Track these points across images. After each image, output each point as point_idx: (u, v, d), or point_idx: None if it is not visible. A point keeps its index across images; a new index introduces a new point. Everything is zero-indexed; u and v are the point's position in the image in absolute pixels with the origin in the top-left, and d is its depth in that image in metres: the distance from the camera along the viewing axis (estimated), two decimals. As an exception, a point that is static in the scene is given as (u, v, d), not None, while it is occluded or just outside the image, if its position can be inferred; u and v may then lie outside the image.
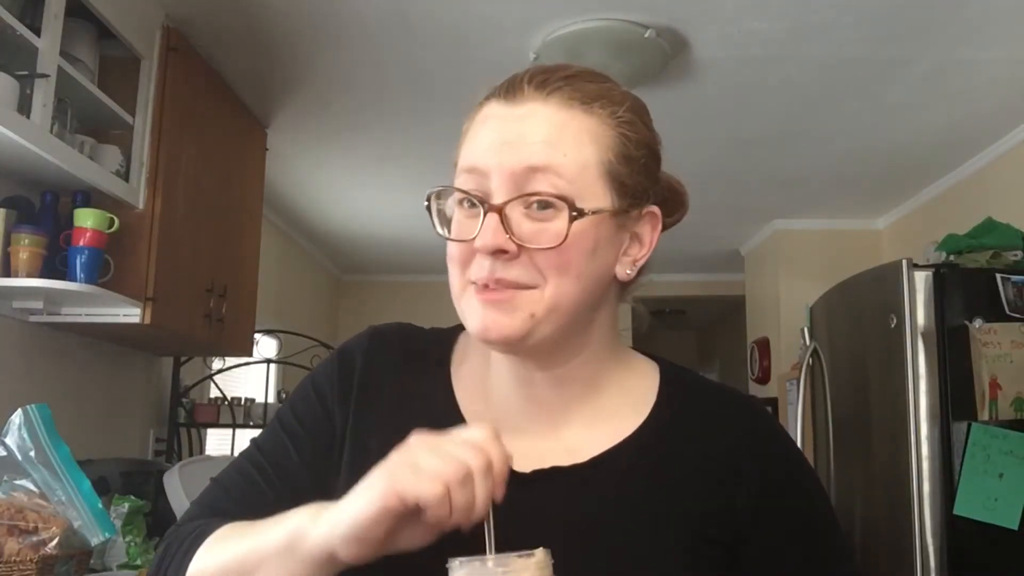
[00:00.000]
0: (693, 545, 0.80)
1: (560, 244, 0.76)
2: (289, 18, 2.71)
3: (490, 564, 0.67)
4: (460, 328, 0.93)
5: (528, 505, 0.70)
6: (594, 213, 0.78)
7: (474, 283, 0.79)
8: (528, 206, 0.77)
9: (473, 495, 0.66)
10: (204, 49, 2.82)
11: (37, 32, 2.00)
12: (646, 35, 2.71)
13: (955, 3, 2.56)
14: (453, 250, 0.81)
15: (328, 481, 0.83)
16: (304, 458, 0.86)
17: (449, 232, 0.82)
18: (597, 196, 0.78)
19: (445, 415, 0.84)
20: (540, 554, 0.67)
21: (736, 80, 3.11)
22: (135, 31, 2.43)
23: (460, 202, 0.81)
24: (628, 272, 0.83)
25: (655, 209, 0.84)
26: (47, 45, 2.01)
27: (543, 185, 0.76)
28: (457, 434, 0.69)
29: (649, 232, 0.84)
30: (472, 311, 0.80)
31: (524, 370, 0.84)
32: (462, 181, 0.80)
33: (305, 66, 3.04)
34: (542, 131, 0.78)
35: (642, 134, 0.83)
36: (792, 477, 0.87)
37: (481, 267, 0.78)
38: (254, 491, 0.84)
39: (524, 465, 0.81)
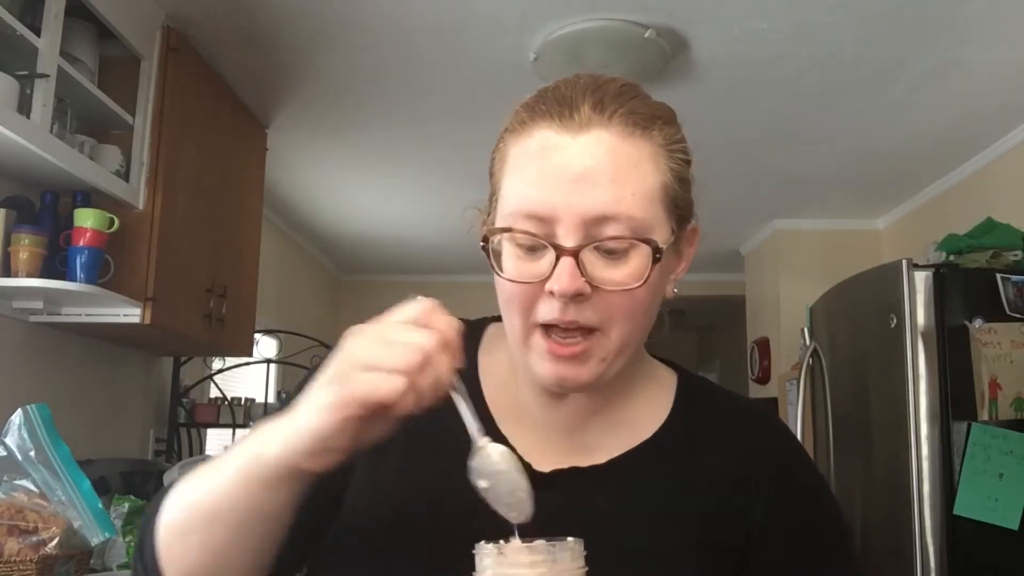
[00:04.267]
0: (705, 548, 0.81)
1: (643, 284, 0.74)
2: (289, 18, 2.71)
3: (513, 551, 0.66)
4: (489, 320, 0.93)
5: (547, 504, 0.70)
6: (666, 247, 0.76)
7: (541, 326, 0.76)
8: (598, 247, 0.74)
9: (435, 375, 0.65)
10: (204, 49, 2.82)
11: (37, 32, 2.00)
12: (646, 35, 2.71)
13: (955, 3, 2.56)
14: (514, 291, 0.77)
15: (336, 473, 0.76)
16: None
17: (503, 271, 0.77)
18: (661, 226, 0.77)
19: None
20: (572, 543, 0.67)
21: (736, 80, 3.11)
22: (135, 31, 2.43)
23: (518, 245, 0.76)
24: (674, 291, 0.82)
25: (697, 224, 0.84)
26: (47, 45, 2.01)
27: (616, 228, 0.74)
28: (394, 315, 0.66)
29: (688, 247, 0.83)
30: (542, 361, 0.77)
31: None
32: (523, 224, 0.75)
33: (305, 66, 3.04)
34: (609, 165, 0.74)
35: (688, 150, 0.81)
36: (805, 489, 0.87)
37: (551, 308, 0.75)
38: None
39: (544, 464, 0.81)
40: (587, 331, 0.75)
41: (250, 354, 3.33)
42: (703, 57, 2.93)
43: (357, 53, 2.93)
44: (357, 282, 6.28)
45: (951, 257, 2.86)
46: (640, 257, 0.75)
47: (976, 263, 2.74)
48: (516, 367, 0.86)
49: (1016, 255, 2.77)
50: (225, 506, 0.70)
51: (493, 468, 0.68)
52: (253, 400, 3.69)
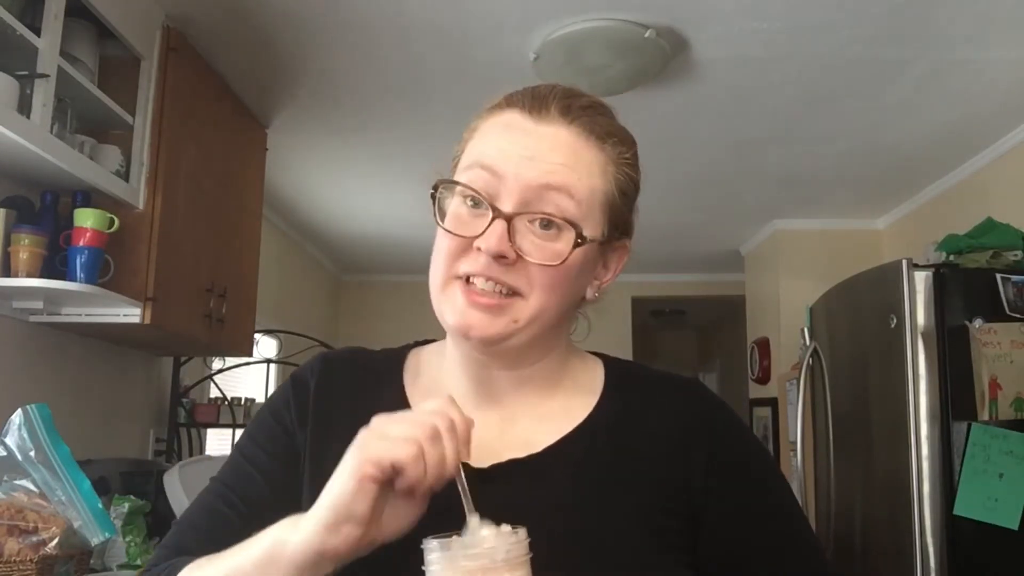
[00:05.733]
0: (652, 522, 0.83)
1: (560, 264, 0.81)
2: (289, 18, 2.71)
3: (459, 544, 0.69)
4: (410, 346, 0.98)
5: (490, 499, 0.72)
6: (591, 241, 0.84)
7: (460, 278, 0.83)
8: (532, 220, 0.81)
9: (443, 451, 0.69)
10: (204, 49, 2.82)
11: (37, 32, 2.00)
12: (646, 35, 2.71)
13: (955, 3, 2.56)
14: (446, 242, 0.84)
15: (295, 501, 0.83)
16: (270, 481, 0.87)
17: (444, 223, 0.84)
18: (596, 224, 0.85)
19: None
20: (515, 531, 0.69)
21: (736, 80, 3.11)
22: (135, 31, 2.43)
23: (465, 198, 0.83)
24: (595, 294, 0.91)
25: (628, 243, 0.92)
26: (47, 45, 2.01)
27: (553, 206, 0.81)
28: (416, 407, 0.72)
29: (616, 261, 0.92)
30: (455, 306, 0.83)
31: (486, 371, 0.88)
32: (473, 176, 0.83)
33: (305, 66, 3.04)
34: (562, 153, 0.83)
35: (637, 174, 0.90)
36: (739, 449, 0.90)
37: (476, 262, 0.82)
38: (221, 523, 0.84)
39: (483, 461, 0.83)
40: (508, 293, 0.82)
41: (250, 354, 3.33)
42: (703, 57, 2.93)
43: (357, 53, 2.93)
44: (357, 282, 6.28)
45: (951, 257, 2.86)
46: (565, 241, 0.82)
47: (976, 263, 2.74)
48: (442, 375, 0.91)
49: (1016, 255, 2.77)
50: None
51: (476, 548, 0.69)
52: (253, 400, 3.69)
